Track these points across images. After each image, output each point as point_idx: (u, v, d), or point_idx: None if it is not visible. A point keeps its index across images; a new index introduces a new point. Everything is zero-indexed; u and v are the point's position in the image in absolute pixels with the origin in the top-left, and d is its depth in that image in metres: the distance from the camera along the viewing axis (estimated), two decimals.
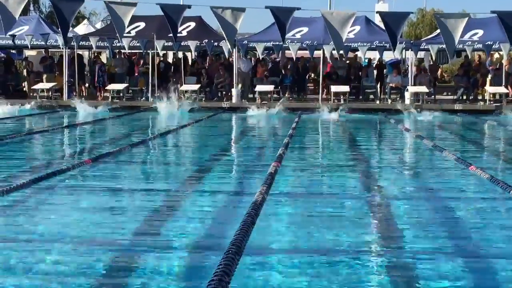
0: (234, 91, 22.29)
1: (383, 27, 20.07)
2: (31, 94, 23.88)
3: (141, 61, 25.51)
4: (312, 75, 26.05)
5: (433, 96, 23.91)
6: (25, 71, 26.40)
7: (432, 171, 9.51)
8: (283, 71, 24.90)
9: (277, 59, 28.20)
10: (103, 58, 28.69)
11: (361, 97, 24.04)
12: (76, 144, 12.81)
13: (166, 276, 4.42)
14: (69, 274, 4.41)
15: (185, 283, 4.31)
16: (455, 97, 23.62)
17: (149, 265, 4.66)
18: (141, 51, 24.93)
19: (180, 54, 27.25)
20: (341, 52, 24.17)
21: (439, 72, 26.06)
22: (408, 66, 24.79)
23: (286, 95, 23.96)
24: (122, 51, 25.12)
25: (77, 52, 24.47)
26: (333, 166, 9.65)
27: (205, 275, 4.15)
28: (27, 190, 7.17)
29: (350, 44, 23.41)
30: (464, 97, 23.58)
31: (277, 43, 23.20)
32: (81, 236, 5.43)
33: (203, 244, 5.29)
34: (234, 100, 22.11)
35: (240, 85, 22.85)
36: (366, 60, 27.02)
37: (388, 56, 29.81)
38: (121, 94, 23.32)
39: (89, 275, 4.39)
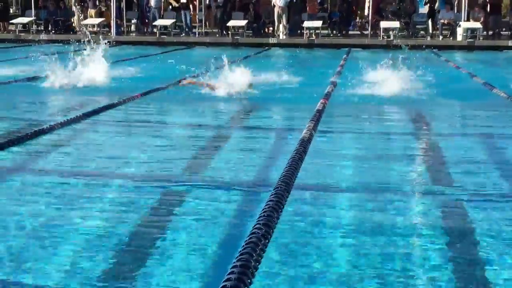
0: (281, 27, 21.98)
1: None
2: (80, 29, 24.03)
3: None
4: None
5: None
6: (73, 6, 26.45)
7: (481, 109, 9.29)
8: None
9: None
10: None
11: (411, 33, 23.48)
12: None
13: (213, 212, 4.42)
14: (118, 210, 4.51)
15: (234, 220, 4.32)
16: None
17: (196, 201, 4.70)
18: None
19: None
20: None
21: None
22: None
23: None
24: None
25: None
26: (379, 104, 9.51)
27: (254, 211, 4.20)
28: (78, 125, 7.36)
29: None
30: None
31: None
32: (130, 171, 5.55)
33: (251, 180, 5.34)
34: (281, 36, 21.86)
35: (276, 21, 22.43)
36: None
37: None
38: (169, 30, 23.26)
39: (136, 212, 4.46)
